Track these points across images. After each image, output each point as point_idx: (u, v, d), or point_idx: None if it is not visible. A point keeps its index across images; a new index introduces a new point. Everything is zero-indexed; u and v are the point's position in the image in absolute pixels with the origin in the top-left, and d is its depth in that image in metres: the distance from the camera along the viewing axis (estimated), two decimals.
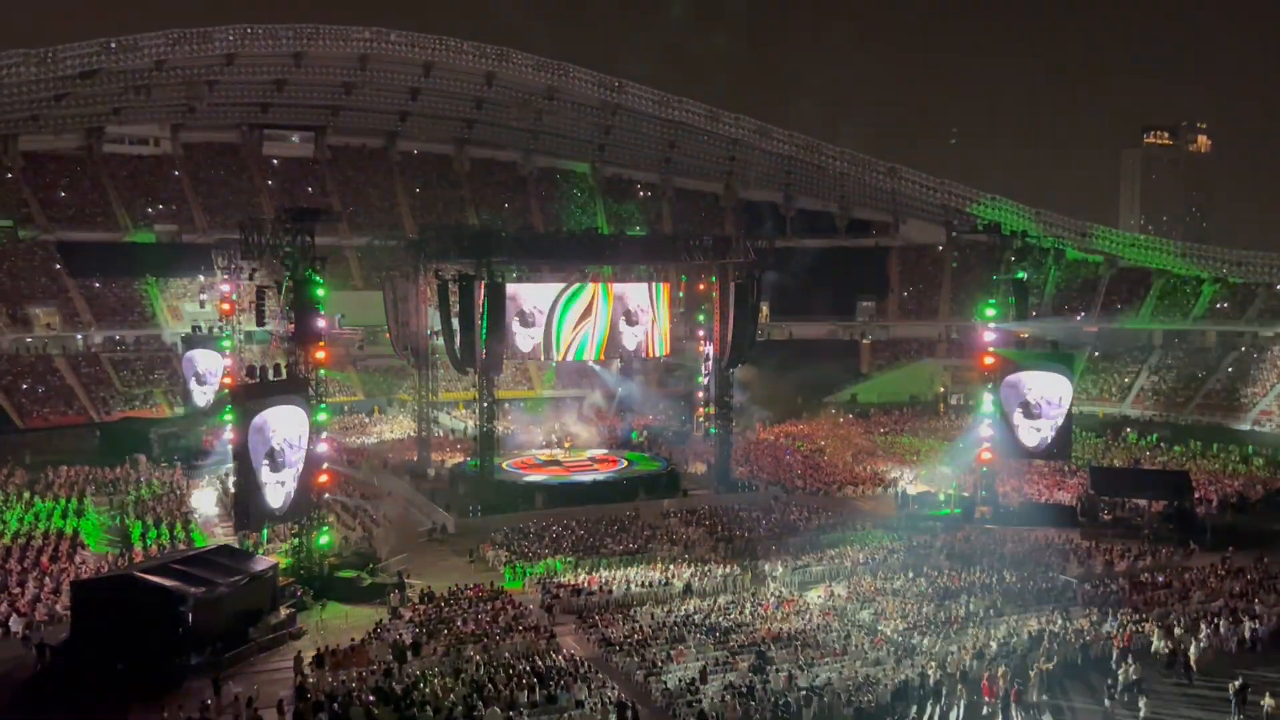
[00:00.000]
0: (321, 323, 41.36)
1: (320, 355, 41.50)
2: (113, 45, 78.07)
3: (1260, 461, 62.63)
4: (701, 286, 65.88)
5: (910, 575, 39.99)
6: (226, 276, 62.64)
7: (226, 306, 63.59)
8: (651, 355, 63.45)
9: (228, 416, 51.72)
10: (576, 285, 58.68)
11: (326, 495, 42.53)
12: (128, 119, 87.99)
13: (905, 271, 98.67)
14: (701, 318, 66.53)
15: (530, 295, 57.58)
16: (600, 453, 62.92)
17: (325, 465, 41.96)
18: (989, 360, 50.73)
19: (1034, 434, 50.39)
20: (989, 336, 51.19)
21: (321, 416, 41.11)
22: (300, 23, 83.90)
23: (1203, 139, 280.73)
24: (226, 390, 59.49)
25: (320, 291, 40.95)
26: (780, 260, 74.39)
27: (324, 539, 41.34)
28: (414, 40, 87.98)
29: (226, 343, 63.43)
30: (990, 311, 51.40)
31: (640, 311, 60.11)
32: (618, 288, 59.85)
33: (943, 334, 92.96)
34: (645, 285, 60.92)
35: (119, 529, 47.88)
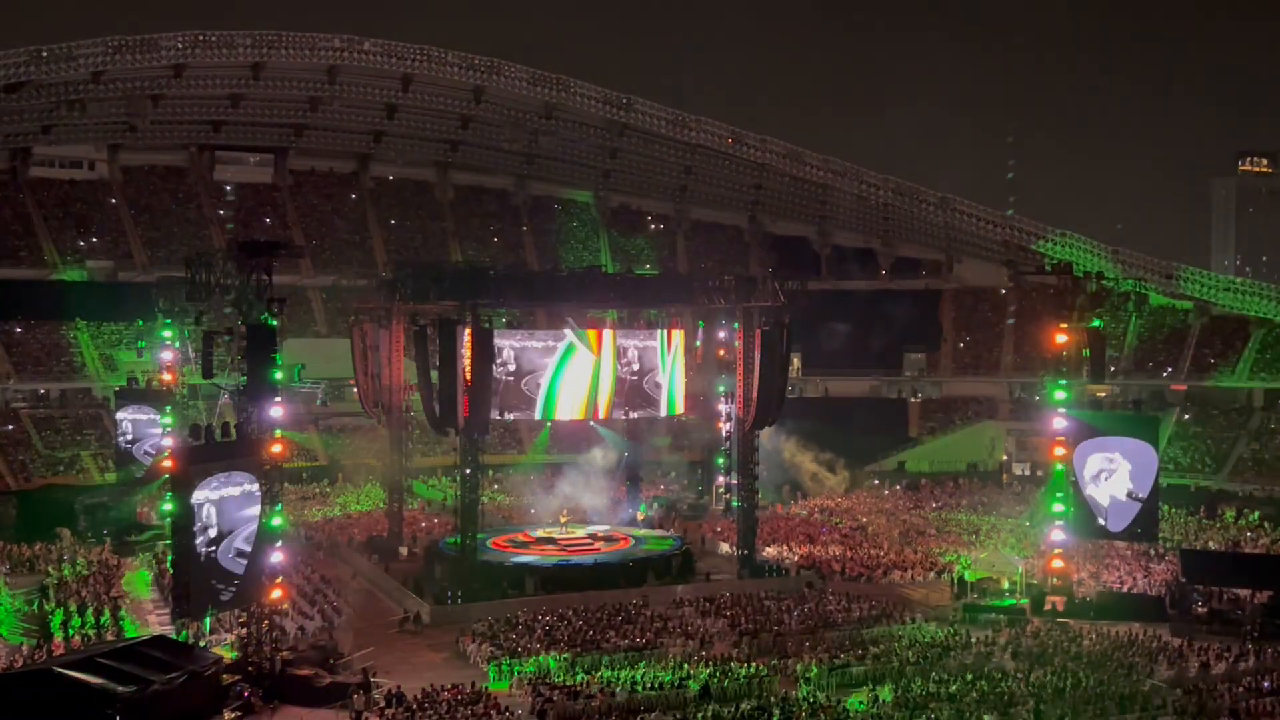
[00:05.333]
0: (279, 375, 41.55)
1: (276, 413, 41.61)
2: (43, 54, 79.20)
3: None
4: (722, 334, 66.15)
5: (969, 678, 39.58)
6: (169, 321, 62.99)
7: (168, 355, 63.93)
8: (664, 414, 63.42)
9: (166, 485, 51.71)
10: (577, 332, 58.85)
11: (280, 578, 42.41)
12: (59, 138, 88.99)
13: (961, 318, 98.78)
14: (722, 372, 66.64)
15: (523, 344, 57.78)
16: (602, 529, 62.73)
17: (279, 543, 41.93)
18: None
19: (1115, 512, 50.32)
20: (1059, 395, 51.22)
21: (276, 485, 41.09)
22: (260, 29, 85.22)
23: None
24: (166, 454, 59.63)
25: (278, 338, 41.16)
26: (814, 304, 74.72)
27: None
28: (390, 50, 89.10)
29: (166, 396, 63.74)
30: (1060, 367, 51.34)
31: (651, 363, 60.19)
32: (624, 335, 60.01)
33: (1005, 392, 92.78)
34: (657, 332, 61.09)
35: (36, 615, 47.71)
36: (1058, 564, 50.88)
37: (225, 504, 38.42)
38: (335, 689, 39.11)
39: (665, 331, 61.49)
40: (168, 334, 64.82)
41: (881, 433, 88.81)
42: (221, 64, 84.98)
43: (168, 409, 64.04)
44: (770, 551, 60.27)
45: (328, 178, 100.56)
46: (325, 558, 59.70)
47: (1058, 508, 51.24)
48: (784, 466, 74.32)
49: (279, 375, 42.03)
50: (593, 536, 60.52)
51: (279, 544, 41.87)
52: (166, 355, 64.97)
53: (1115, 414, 52.48)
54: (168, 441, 62.16)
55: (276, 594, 41.40)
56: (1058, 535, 51.18)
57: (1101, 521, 50.81)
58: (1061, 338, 51.70)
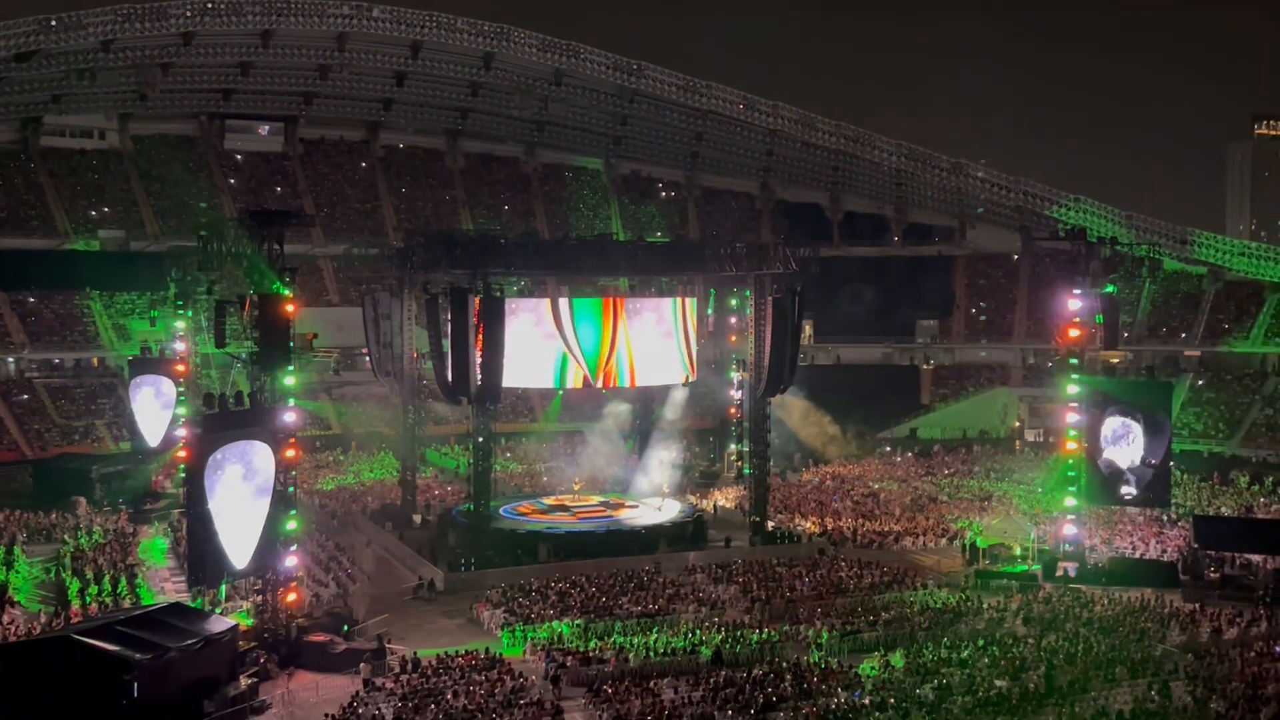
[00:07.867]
0: (291, 344, 41.60)
1: (289, 381, 41.73)
2: (52, 23, 79.12)
3: None
4: (734, 302, 66.05)
5: (980, 643, 39.70)
6: (180, 290, 63.07)
7: (180, 325, 64.06)
8: (677, 382, 63.42)
9: (181, 453, 51.96)
10: (588, 300, 58.80)
11: (294, 546, 42.64)
12: (69, 108, 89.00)
13: (973, 285, 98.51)
14: (734, 338, 66.55)
15: (533, 312, 57.78)
16: (615, 497, 62.90)
17: (293, 511, 42.11)
18: (1074, 333, 50.53)
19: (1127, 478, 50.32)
20: (1072, 361, 51.02)
21: (290, 453, 41.27)
22: None
23: None
24: (180, 423, 59.89)
25: (290, 307, 41.23)
26: (826, 271, 74.22)
27: (292, 596, 41.42)
28: (400, 16, 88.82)
29: (179, 365, 63.94)
30: (1073, 332, 51.18)
31: (662, 331, 60.12)
32: (635, 303, 59.92)
33: (1017, 358, 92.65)
34: (668, 300, 61.01)
35: (54, 583, 48.09)
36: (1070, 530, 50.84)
37: (240, 471, 38.62)
38: (350, 655, 39.44)
39: (677, 299, 61.39)
40: (180, 302, 64.83)
41: (893, 400, 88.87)
42: (231, 31, 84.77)
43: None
44: (782, 518, 60.35)
45: (338, 146, 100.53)
46: (339, 526, 60.03)
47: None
48: (795, 433, 74.40)
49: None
50: (605, 504, 60.71)
51: (293, 512, 42.08)
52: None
53: (1129, 380, 52.18)
54: (180, 411, 62.50)
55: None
56: (1071, 502, 51.06)
57: (1125, 486, 50.67)
58: (1075, 304, 51.40)
